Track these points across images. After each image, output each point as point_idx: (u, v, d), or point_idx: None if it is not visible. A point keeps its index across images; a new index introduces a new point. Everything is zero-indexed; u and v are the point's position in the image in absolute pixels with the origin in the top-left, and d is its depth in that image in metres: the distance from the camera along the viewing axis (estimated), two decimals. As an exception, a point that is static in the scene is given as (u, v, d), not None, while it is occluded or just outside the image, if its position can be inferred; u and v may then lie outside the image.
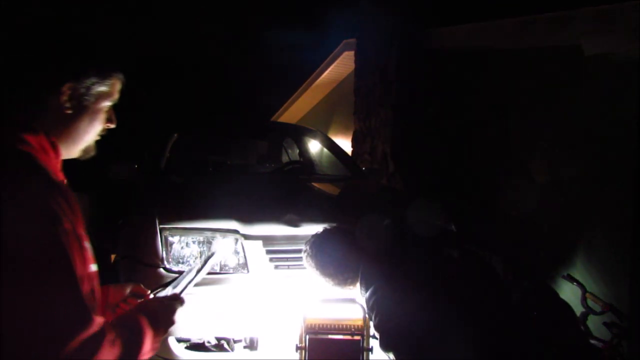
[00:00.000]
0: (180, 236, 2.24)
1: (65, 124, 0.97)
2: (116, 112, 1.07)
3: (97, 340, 0.80)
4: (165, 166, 3.31)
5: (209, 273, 2.18)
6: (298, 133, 4.44)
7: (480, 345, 1.37)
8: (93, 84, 0.97)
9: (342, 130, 7.89)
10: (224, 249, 2.00)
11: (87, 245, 0.89)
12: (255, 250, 2.25)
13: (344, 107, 7.38)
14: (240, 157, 5.14)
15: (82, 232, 0.88)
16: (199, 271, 1.28)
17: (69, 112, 0.96)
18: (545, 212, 3.55)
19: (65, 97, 0.94)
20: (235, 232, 2.27)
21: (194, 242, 2.25)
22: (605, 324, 2.61)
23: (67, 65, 0.95)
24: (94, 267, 0.91)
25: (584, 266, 3.26)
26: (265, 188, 2.95)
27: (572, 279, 2.81)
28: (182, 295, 1.17)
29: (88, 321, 0.80)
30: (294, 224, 2.32)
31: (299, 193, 2.92)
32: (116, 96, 1.04)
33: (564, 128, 3.51)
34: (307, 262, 1.80)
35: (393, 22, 4.52)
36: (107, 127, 1.05)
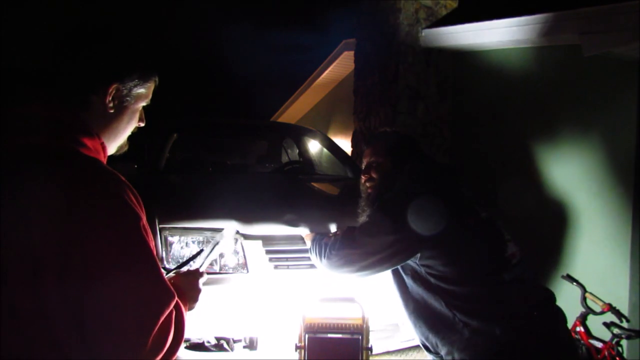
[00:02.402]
0: (180, 236, 2.24)
1: (107, 123, 1.03)
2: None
3: (170, 316, 0.91)
4: (165, 166, 3.31)
5: (208, 273, 2.18)
6: (298, 133, 4.44)
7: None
8: (135, 85, 1.04)
9: (342, 130, 7.89)
10: (230, 235, 2.01)
11: (152, 238, 0.98)
12: (255, 250, 2.25)
13: (343, 107, 7.37)
14: (240, 157, 5.14)
15: (148, 226, 0.96)
16: (211, 250, 1.42)
17: (111, 111, 1.03)
18: (544, 211, 3.55)
19: (109, 98, 1.01)
20: (235, 231, 2.26)
21: (193, 242, 2.25)
22: (605, 324, 2.61)
23: (115, 67, 1.02)
24: None
25: (584, 266, 3.26)
26: (265, 188, 2.95)
27: (572, 279, 2.81)
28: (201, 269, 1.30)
29: (173, 295, 0.92)
30: (294, 224, 2.32)
31: (298, 193, 2.92)
32: (150, 97, 1.11)
33: (564, 128, 3.51)
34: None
35: (393, 21, 4.52)
36: (138, 126, 1.13)
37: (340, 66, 7.83)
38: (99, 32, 1.04)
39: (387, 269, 1.65)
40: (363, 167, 1.93)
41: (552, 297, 1.62)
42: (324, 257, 1.75)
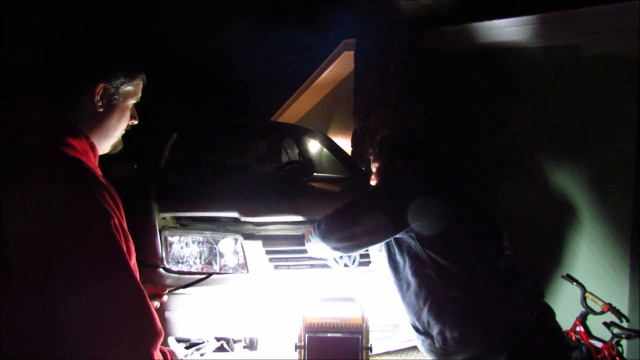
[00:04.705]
0: (180, 236, 2.24)
1: (97, 122, 1.05)
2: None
3: (139, 313, 0.88)
4: (165, 166, 3.31)
5: (209, 273, 2.18)
6: (298, 133, 4.44)
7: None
8: (122, 83, 1.06)
9: (342, 130, 7.89)
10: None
11: (130, 239, 0.96)
12: (255, 250, 2.25)
13: (343, 107, 7.38)
14: (240, 157, 5.14)
15: (125, 227, 0.95)
16: None
17: (100, 110, 1.04)
18: (544, 211, 3.55)
19: (97, 97, 1.02)
20: (235, 231, 2.27)
21: (193, 242, 2.25)
22: (605, 323, 2.61)
23: (100, 67, 1.04)
24: (133, 260, 0.98)
25: (584, 266, 3.26)
26: (265, 188, 2.95)
27: (572, 279, 2.81)
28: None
29: (140, 292, 0.89)
30: (294, 223, 2.32)
31: (298, 193, 2.93)
32: (139, 95, 1.12)
33: (564, 127, 3.51)
34: None
35: (393, 21, 4.52)
36: (131, 124, 1.14)
37: (340, 66, 7.84)
38: (82, 33, 1.06)
39: (382, 239, 1.69)
40: (372, 168, 1.99)
41: (542, 293, 1.67)
42: (322, 224, 1.79)
